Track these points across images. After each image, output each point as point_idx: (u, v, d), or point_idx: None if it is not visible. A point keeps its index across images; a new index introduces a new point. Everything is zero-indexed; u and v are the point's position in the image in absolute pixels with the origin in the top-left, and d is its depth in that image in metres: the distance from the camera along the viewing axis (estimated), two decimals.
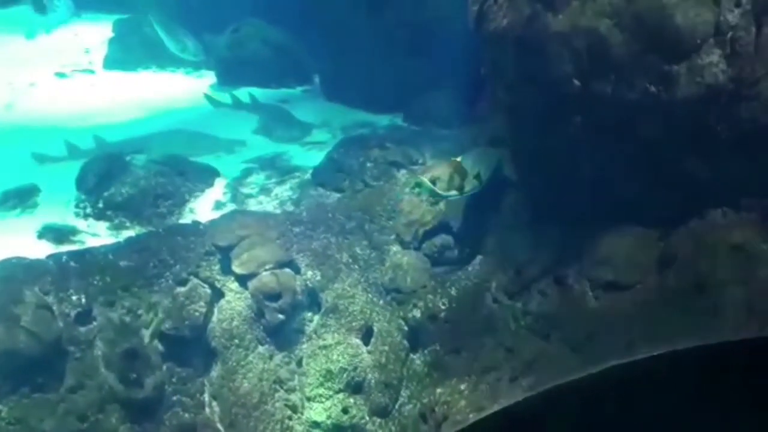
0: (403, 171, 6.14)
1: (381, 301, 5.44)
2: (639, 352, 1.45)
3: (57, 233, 5.93)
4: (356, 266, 5.58)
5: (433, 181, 5.79)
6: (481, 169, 5.27)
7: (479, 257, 5.41)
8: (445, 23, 6.97)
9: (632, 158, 4.67)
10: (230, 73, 9.58)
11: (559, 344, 4.89)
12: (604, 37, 4.38)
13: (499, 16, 4.72)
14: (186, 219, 6.13)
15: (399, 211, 5.75)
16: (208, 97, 8.53)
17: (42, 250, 5.64)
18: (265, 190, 6.54)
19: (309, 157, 7.07)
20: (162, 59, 10.32)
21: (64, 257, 5.40)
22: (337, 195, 6.18)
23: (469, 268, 5.38)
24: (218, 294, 5.44)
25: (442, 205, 5.57)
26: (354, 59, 8.16)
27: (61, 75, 9.91)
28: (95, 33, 11.28)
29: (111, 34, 10.81)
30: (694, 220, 4.73)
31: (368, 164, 6.27)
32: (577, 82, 4.48)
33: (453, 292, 5.35)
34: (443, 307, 5.32)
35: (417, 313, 5.37)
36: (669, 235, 4.81)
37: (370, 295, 5.45)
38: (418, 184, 5.35)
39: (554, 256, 5.08)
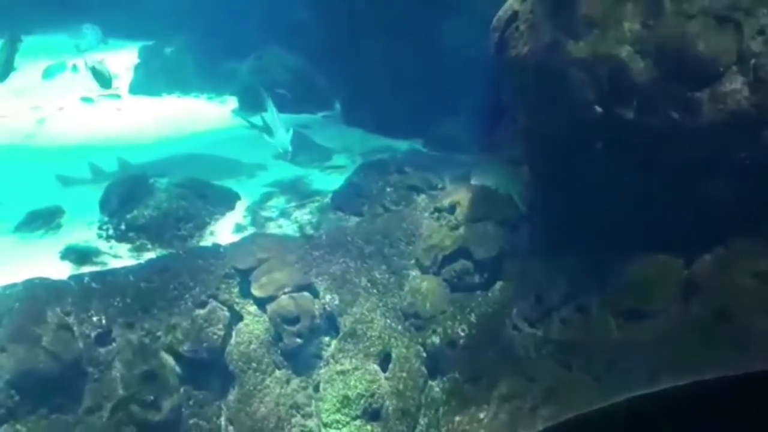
0: (422, 196, 6.14)
1: (399, 327, 5.40)
2: (662, 383, 1.42)
3: (80, 254, 6.01)
4: (375, 291, 5.56)
5: (453, 206, 5.78)
6: (513, 191, 5.25)
7: (499, 283, 5.35)
8: (464, 49, 7.02)
9: (655, 184, 4.63)
10: (252, 99, 9.74)
11: (580, 373, 4.80)
12: (625, 64, 4.37)
13: (520, 43, 4.74)
14: (206, 241, 6.18)
15: (418, 235, 5.74)
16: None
17: (65, 270, 5.71)
18: (285, 214, 6.58)
19: (329, 181, 7.12)
20: (185, 85, 10.53)
21: (86, 278, 5.46)
22: (357, 219, 6.20)
23: (489, 294, 5.33)
24: (237, 317, 5.44)
25: (461, 229, 5.55)
26: (374, 85, 8.24)
27: (87, 100, 10.14)
28: (122, 59, 11.55)
29: (137, 60, 11.08)
30: (718, 248, 4.65)
31: (388, 189, 6.29)
32: (598, 108, 4.46)
33: (473, 318, 5.29)
34: (462, 334, 5.26)
35: (436, 339, 5.31)
36: (692, 263, 4.73)
37: (388, 320, 5.41)
38: None
39: (575, 283, 5.01)
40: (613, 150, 4.62)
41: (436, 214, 5.80)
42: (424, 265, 5.59)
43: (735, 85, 4.28)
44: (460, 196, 5.80)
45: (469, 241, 5.47)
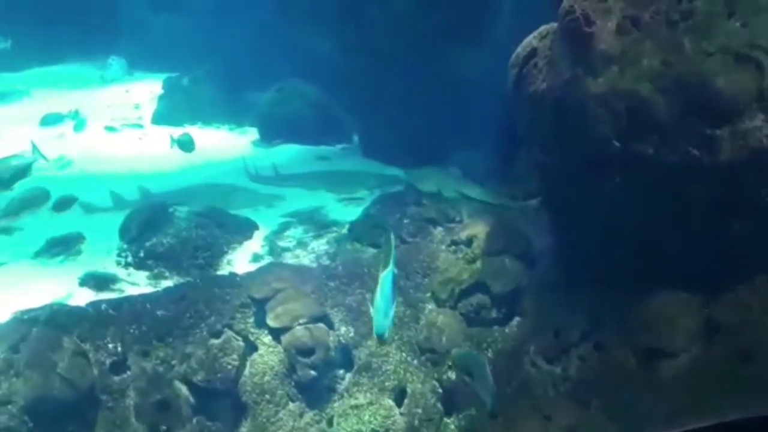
0: (439, 228, 6.14)
1: (415, 361, 5.34)
2: (682, 424, 1.39)
3: (98, 281, 6.05)
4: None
5: (470, 239, 5.76)
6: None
7: (517, 318, 5.30)
8: (482, 82, 7.08)
9: (674, 220, 4.59)
10: (271, 130, 9.88)
11: (599, 412, 4.71)
12: (645, 100, 4.38)
13: (539, 79, 4.78)
14: (224, 270, 6.20)
15: (435, 268, 5.71)
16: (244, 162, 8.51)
17: (83, 297, 5.75)
18: (302, 244, 6.60)
19: (346, 212, 7.14)
20: (207, 115, 10.71)
21: (103, 305, 5.50)
22: (373, 250, 6.19)
23: (507, 330, 5.27)
24: (251, 347, 5.42)
25: (478, 263, 5.52)
26: (391, 117, 8.32)
27: (111, 129, 10.33)
28: (145, 90, 11.81)
29: (160, 91, 11.30)
30: (740, 286, 4.57)
31: (405, 221, 6.30)
32: (616, 144, 4.46)
33: (489, 354, 5.23)
34: None
35: (452, 375, 5.24)
36: (714, 301, 4.66)
37: (404, 354, 5.36)
38: None
39: (593, 320, 4.95)
40: (632, 186, 4.59)
41: (453, 247, 5.79)
42: (441, 298, 5.55)
43: (755, 122, 4.26)
44: (477, 229, 5.78)
45: (487, 275, 5.44)
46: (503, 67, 5.16)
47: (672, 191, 4.49)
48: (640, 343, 4.75)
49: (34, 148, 6.64)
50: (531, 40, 5.01)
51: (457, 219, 6.22)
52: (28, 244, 6.68)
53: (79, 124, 10.20)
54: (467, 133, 7.43)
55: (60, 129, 10.16)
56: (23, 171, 6.23)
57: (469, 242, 5.72)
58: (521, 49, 5.03)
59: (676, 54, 4.35)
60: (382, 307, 3.96)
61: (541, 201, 5.60)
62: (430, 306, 5.56)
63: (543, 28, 4.99)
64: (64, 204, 6.95)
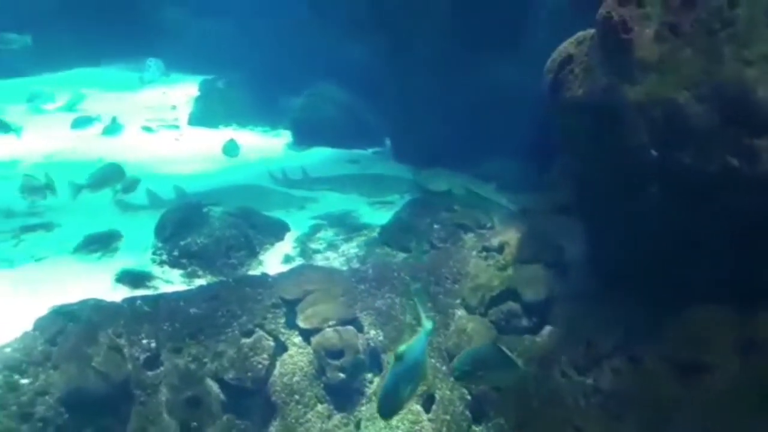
0: (470, 234, 6.13)
1: (444, 368, 5.32)
2: None
3: (133, 278, 6.18)
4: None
5: (501, 246, 5.73)
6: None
7: (548, 327, 5.24)
8: (515, 88, 7.06)
9: (712, 231, 4.50)
10: (304, 134, 10.00)
11: (631, 426, 4.62)
12: (683, 108, 4.31)
13: (575, 85, 4.74)
14: (256, 270, 6.28)
15: (465, 274, 5.69)
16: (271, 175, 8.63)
17: (119, 293, 5.88)
18: (332, 246, 6.65)
19: (377, 215, 7.18)
20: (242, 118, 10.88)
21: (138, 302, 5.61)
22: (403, 255, 6.21)
23: (537, 339, 5.22)
24: (282, 347, 5.47)
25: (510, 270, 5.49)
26: (424, 122, 8.34)
27: (147, 129, 10.56)
28: (182, 92, 12.04)
29: (196, 93, 11.51)
30: None
31: (435, 226, 6.30)
32: (654, 152, 4.40)
33: (519, 362, 5.18)
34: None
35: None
36: (752, 317, 4.55)
37: (432, 360, 5.35)
38: None
39: (627, 332, 4.87)
40: (668, 195, 4.52)
41: (484, 254, 5.76)
42: (471, 305, 5.53)
43: None
44: (509, 235, 5.75)
45: (518, 283, 5.39)
46: (538, 74, 5.13)
47: (710, 202, 4.41)
48: (676, 358, 4.65)
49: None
50: (567, 46, 4.97)
51: (489, 225, 6.20)
52: (67, 241, 6.85)
53: (114, 126, 10.44)
54: (501, 141, 7.41)
55: (92, 130, 10.42)
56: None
57: (500, 249, 5.69)
58: (557, 54, 4.99)
59: (716, 62, 4.28)
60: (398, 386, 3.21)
61: (575, 209, 5.54)
62: (460, 312, 5.54)
63: (579, 34, 4.95)
64: (130, 185, 7.27)
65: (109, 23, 12.51)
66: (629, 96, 4.43)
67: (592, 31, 4.76)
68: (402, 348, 3.39)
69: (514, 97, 7.02)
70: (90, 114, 10.91)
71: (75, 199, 7.05)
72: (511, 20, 7.61)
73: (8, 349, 5.12)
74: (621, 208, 4.75)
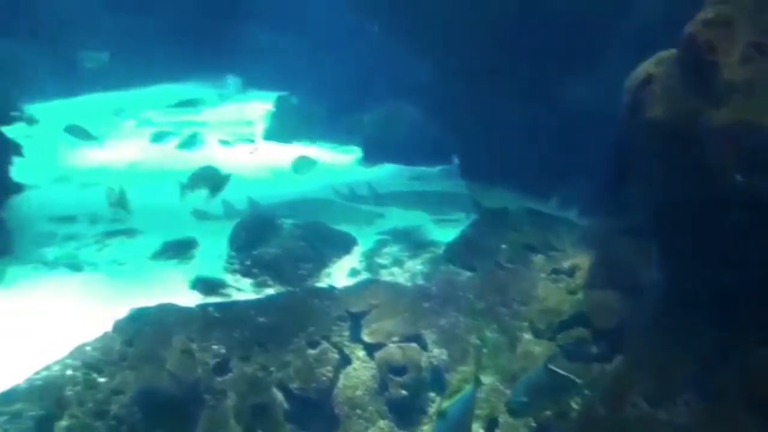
0: (539, 255, 6.02)
1: (508, 391, 5.22)
2: None
3: (207, 285, 6.40)
4: (484, 350, 5.45)
5: (572, 269, 5.60)
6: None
7: (619, 356, 5.06)
8: (589, 109, 6.92)
9: None
10: (374, 150, 10.14)
11: None
12: None
13: (655, 106, 4.61)
14: (323, 283, 6.39)
15: (533, 296, 5.59)
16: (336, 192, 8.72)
17: (192, 299, 6.10)
18: (398, 262, 6.69)
19: (443, 233, 7.17)
20: (314, 134, 11.14)
21: (211, 308, 5.79)
22: (469, 273, 6.15)
23: (607, 368, 5.04)
24: (346, 360, 5.52)
25: (580, 295, 5.35)
26: (493, 141, 8.28)
27: (225, 143, 10.97)
28: (258, 107, 12.44)
29: (271, 109, 11.86)
30: None
31: (503, 245, 6.22)
32: (739, 177, 4.22)
33: (587, 391, 5.03)
34: (575, 407, 5.00)
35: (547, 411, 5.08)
36: None
37: (497, 383, 5.26)
38: None
39: (703, 364, 4.64)
40: (753, 223, 4.32)
41: (554, 276, 5.64)
42: (539, 328, 5.41)
43: None
44: (581, 259, 5.62)
45: (589, 308, 5.24)
46: (613, 94, 5.03)
47: None
48: (755, 398, 4.40)
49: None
50: (647, 65, 4.85)
51: (559, 248, 6.07)
52: (146, 247, 7.17)
53: (191, 140, 10.88)
54: (572, 161, 7.27)
55: (170, 144, 10.89)
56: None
57: (571, 272, 5.56)
58: (636, 74, 4.87)
59: None
60: None
61: (650, 233, 5.36)
62: (527, 336, 5.43)
63: (660, 54, 4.82)
64: (219, 184, 7.33)
65: (195, 43, 13.11)
66: (713, 118, 4.27)
67: (673, 50, 4.63)
68: (445, 405, 3.33)
69: (588, 116, 6.88)
70: (169, 129, 11.41)
71: (183, 199, 7.22)
72: (587, 37, 7.49)
73: (88, 348, 5.38)
74: (700, 234, 4.57)
